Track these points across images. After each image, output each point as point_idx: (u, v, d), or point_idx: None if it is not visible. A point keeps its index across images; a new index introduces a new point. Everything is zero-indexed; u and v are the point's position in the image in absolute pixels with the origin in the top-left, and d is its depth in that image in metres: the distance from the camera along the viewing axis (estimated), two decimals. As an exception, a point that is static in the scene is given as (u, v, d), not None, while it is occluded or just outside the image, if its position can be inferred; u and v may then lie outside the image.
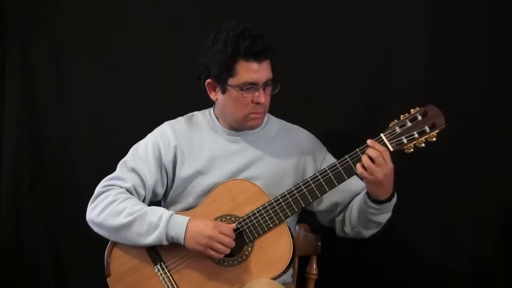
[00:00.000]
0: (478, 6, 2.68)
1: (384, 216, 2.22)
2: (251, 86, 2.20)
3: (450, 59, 2.70)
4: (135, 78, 2.91)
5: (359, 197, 2.26)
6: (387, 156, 2.09)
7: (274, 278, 2.18)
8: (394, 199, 2.19)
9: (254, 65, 2.19)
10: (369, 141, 2.11)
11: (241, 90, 2.20)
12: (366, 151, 2.10)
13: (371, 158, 2.08)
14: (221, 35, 2.20)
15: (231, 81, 2.21)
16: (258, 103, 2.22)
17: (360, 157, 2.11)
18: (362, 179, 2.14)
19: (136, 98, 2.92)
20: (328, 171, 2.16)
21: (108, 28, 2.92)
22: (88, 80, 2.95)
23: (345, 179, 2.16)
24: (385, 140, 2.11)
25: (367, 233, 2.29)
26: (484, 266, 2.71)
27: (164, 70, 2.89)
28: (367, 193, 2.17)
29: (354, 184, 2.28)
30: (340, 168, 2.15)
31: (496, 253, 2.70)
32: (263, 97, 2.22)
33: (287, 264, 2.18)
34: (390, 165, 2.09)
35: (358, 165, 2.09)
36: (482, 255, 2.71)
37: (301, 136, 2.40)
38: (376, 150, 2.08)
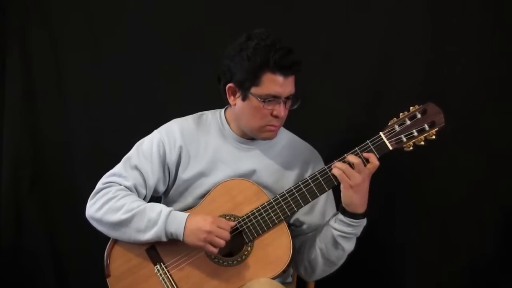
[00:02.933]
0: (478, 6, 2.67)
1: (349, 242, 2.20)
2: (273, 98, 2.19)
3: (450, 59, 2.70)
4: (135, 78, 2.90)
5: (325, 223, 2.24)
6: (374, 163, 2.11)
7: (274, 278, 2.18)
8: (365, 220, 2.18)
9: (280, 79, 2.17)
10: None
11: (263, 101, 2.19)
12: (347, 158, 2.12)
13: (351, 165, 2.11)
14: (251, 42, 2.17)
15: (254, 90, 2.19)
16: (276, 117, 2.22)
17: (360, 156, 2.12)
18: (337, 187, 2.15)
19: (136, 98, 2.92)
20: (327, 170, 2.16)
21: (108, 27, 2.92)
22: (88, 80, 2.95)
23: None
24: (384, 139, 2.12)
25: (321, 267, 2.24)
26: (484, 266, 2.71)
27: (164, 70, 2.89)
28: (341, 208, 2.16)
29: (328, 215, 2.29)
30: (339, 167, 2.15)
31: (496, 253, 2.70)
32: (283, 111, 2.22)
33: (286, 264, 2.18)
34: (369, 172, 2.11)
35: (336, 169, 2.12)
36: (482, 255, 2.71)
37: (307, 152, 2.39)
38: (358, 157, 2.11)
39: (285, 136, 2.40)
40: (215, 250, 2.16)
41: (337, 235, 2.17)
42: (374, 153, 2.12)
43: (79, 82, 2.95)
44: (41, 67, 2.96)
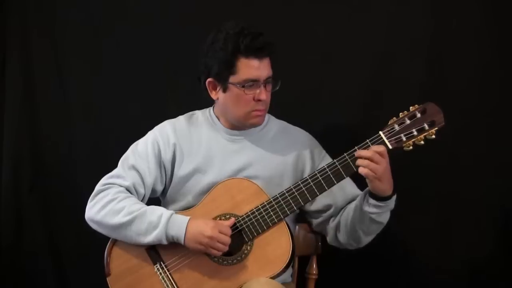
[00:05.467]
0: (479, 6, 2.67)
1: (386, 215, 2.21)
2: (253, 83, 2.21)
3: (450, 59, 2.70)
4: (135, 78, 2.91)
5: (355, 203, 2.24)
6: (382, 150, 2.10)
7: (273, 277, 2.18)
8: (395, 196, 2.19)
9: (254, 62, 2.20)
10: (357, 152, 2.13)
11: (243, 87, 2.21)
12: (361, 153, 2.11)
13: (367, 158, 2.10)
14: (221, 34, 2.21)
15: (232, 78, 2.21)
16: (259, 100, 2.23)
17: None
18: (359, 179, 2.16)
19: (136, 98, 2.92)
20: (327, 169, 2.16)
21: (109, 28, 2.92)
22: (88, 80, 2.95)
23: (344, 177, 2.16)
24: (384, 138, 2.12)
25: (366, 239, 2.28)
26: (484, 266, 2.70)
27: (164, 70, 2.89)
28: (369, 193, 2.16)
29: (348, 189, 2.29)
30: (339, 166, 2.15)
31: (496, 253, 2.69)
32: (264, 94, 2.23)
33: (286, 263, 2.18)
34: (386, 158, 2.10)
35: (360, 167, 2.11)
36: (482, 255, 2.70)
37: (301, 137, 2.40)
38: (370, 151, 2.10)
39: (276, 124, 2.41)
40: (218, 253, 2.17)
41: (374, 216, 2.18)
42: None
43: (80, 82, 2.96)
44: (42, 67, 2.97)
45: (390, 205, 2.19)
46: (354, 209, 2.23)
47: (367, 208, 2.18)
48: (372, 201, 2.16)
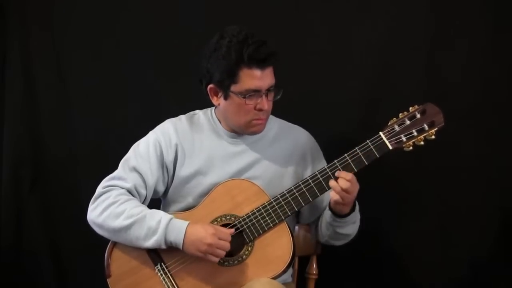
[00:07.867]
0: (479, 6, 2.67)
1: (351, 227, 2.25)
2: (254, 93, 2.20)
3: (450, 59, 2.70)
4: (136, 78, 2.91)
5: (324, 213, 2.28)
6: (354, 180, 2.13)
7: (274, 278, 2.17)
8: (357, 208, 2.23)
9: (257, 72, 2.18)
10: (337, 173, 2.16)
11: (244, 97, 2.20)
12: (338, 183, 2.12)
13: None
14: (224, 40, 2.18)
15: (234, 87, 2.20)
16: (260, 110, 2.22)
17: (360, 155, 2.13)
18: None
19: (137, 98, 2.92)
20: (327, 170, 2.17)
21: (109, 27, 2.92)
22: (89, 80, 2.95)
23: (344, 178, 2.17)
24: (384, 139, 2.12)
25: (337, 243, 2.33)
26: (484, 266, 2.71)
27: (165, 69, 2.89)
28: (330, 209, 2.20)
29: (326, 196, 2.29)
30: (339, 167, 2.16)
31: (496, 253, 2.70)
32: (266, 104, 2.22)
33: (287, 264, 2.18)
34: (357, 187, 2.14)
35: (333, 193, 2.14)
36: (482, 255, 2.71)
37: (302, 137, 2.40)
38: (346, 181, 2.11)
39: (276, 123, 2.41)
40: (216, 260, 2.16)
41: (338, 230, 2.24)
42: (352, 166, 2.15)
43: (81, 82, 2.96)
44: (42, 66, 2.97)
45: (353, 219, 2.23)
46: (324, 219, 2.29)
47: (331, 222, 2.23)
48: (333, 216, 2.21)
